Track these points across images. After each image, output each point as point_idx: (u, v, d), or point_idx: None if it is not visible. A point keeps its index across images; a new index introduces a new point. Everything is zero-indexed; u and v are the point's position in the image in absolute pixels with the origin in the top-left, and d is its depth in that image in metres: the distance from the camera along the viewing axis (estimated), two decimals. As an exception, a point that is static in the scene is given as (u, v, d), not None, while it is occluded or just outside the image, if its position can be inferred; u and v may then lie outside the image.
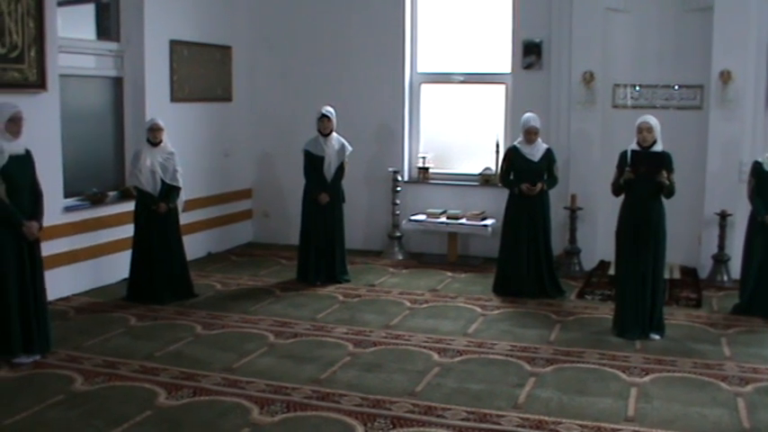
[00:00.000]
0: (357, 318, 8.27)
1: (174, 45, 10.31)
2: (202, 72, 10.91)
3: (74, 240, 8.90)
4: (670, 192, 7.57)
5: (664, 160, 7.52)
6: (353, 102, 11.27)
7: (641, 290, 7.61)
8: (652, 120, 7.61)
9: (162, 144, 8.66)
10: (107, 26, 9.78)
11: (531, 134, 9.02)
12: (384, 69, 11.37)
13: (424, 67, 11.54)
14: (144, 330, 7.79)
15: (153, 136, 8.61)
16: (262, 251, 11.59)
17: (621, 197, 7.81)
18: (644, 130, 7.54)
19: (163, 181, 8.62)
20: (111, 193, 9.59)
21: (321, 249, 9.65)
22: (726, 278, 9.70)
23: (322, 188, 9.53)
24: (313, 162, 9.56)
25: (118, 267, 9.27)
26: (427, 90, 11.60)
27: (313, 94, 11.27)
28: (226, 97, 11.50)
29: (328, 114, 9.55)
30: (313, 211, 9.61)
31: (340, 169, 9.62)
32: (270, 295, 9.16)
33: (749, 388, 6.34)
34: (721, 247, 9.73)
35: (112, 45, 9.72)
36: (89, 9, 9.94)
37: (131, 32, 9.76)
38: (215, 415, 5.78)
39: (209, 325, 7.97)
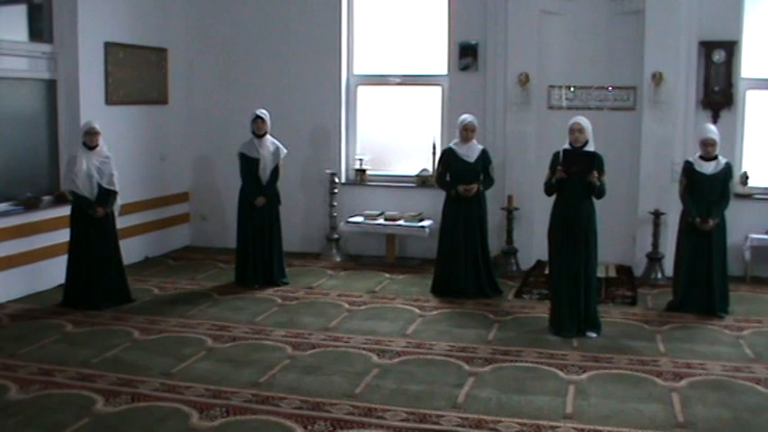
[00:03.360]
0: (296, 320, 8.26)
1: (109, 47, 10.17)
2: (138, 74, 10.78)
3: (7, 246, 8.72)
4: (600, 192, 7.69)
5: (594, 160, 7.63)
6: (290, 104, 11.26)
7: (574, 288, 7.71)
8: (583, 120, 7.74)
9: (98, 148, 8.55)
10: (40, 28, 9.61)
11: (468, 131, 9.08)
12: (321, 71, 11.34)
13: (360, 68, 11.54)
14: (80, 336, 7.68)
15: (90, 140, 8.49)
16: (199, 255, 11.50)
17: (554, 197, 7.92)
18: (576, 130, 7.66)
19: (99, 185, 8.52)
20: (46, 198, 9.45)
21: (259, 252, 9.62)
22: (660, 276, 9.88)
23: (257, 190, 9.50)
24: (248, 164, 9.54)
25: (53, 273, 9.13)
26: (364, 92, 11.61)
27: (250, 96, 11.23)
28: (162, 100, 11.38)
29: (262, 116, 9.53)
30: (249, 214, 9.58)
31: (275, 171, 9.59)
32: (208, 299, 9.10)
33: (683, 383, 6.47)
34: (655, 245, 9.91)
35: (45, 47, 9.55)
36: (21, 10, 9.74)
37: (65, 34, 9.61)
38: (154, 421, 5.72)
39: (147, 330, 7.89)
